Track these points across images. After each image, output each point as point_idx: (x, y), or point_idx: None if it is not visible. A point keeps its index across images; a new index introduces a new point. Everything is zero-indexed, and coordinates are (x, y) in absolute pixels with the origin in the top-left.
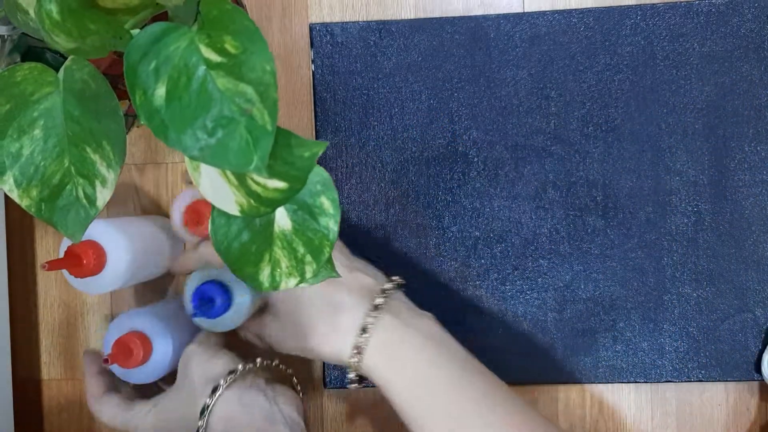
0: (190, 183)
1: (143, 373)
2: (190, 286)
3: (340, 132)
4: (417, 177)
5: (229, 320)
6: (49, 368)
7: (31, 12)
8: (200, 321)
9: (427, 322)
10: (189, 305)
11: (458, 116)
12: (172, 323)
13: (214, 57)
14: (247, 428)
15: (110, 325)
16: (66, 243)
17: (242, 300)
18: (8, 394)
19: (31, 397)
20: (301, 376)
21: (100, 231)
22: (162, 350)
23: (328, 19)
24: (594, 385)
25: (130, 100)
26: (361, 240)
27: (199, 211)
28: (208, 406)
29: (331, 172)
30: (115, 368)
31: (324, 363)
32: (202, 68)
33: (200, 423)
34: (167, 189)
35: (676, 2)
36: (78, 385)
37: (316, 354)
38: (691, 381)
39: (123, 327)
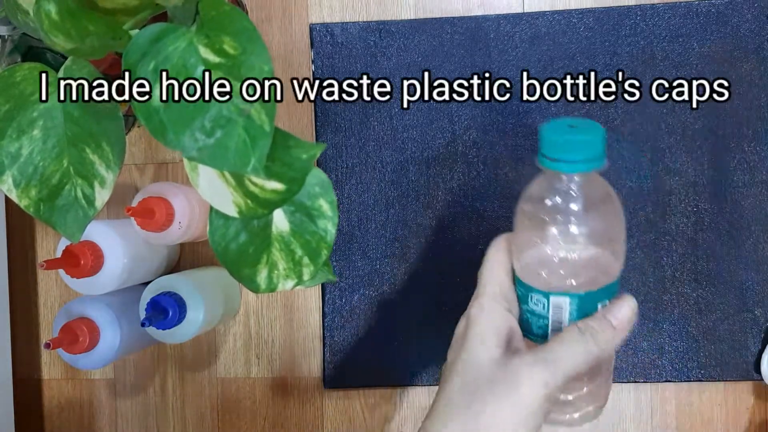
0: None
1: (89, 360)
2: (147, 294)
3: (340, 132)
4: (417, 177)
5: (179, 335)
6: (50, 368)
7: (32, 12)
8: (150, 331)
9: None
10: (142, 313)
11: (458, 116)
12: (123, 314)
13: (213, 57)
14: None
15: (61, 310)
16: (64, 242)
17: (195, 316)
18: (9, 394)
19: (32, 396)
20: (302, 376)
21: (98, 232)
22: (109, 339)
23: (328, 20)
24: None
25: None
26: (362, 240)
27: (146, 208)
28: None
29: (331, 172)
30: (62, 353)
31: (324, 363)
32: (200, 69)
33: None
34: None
35: (676, 2)
36: (78, 384)
37: None
38: (690, 381)
39: (73, 313)
